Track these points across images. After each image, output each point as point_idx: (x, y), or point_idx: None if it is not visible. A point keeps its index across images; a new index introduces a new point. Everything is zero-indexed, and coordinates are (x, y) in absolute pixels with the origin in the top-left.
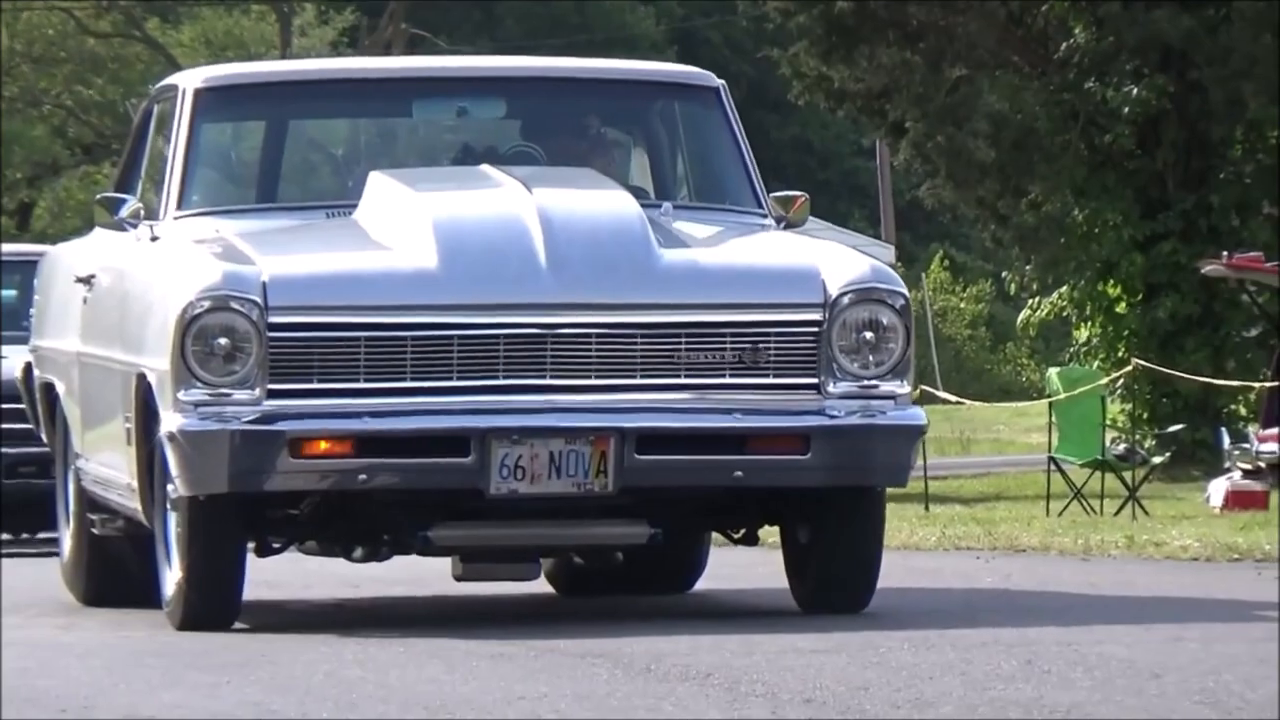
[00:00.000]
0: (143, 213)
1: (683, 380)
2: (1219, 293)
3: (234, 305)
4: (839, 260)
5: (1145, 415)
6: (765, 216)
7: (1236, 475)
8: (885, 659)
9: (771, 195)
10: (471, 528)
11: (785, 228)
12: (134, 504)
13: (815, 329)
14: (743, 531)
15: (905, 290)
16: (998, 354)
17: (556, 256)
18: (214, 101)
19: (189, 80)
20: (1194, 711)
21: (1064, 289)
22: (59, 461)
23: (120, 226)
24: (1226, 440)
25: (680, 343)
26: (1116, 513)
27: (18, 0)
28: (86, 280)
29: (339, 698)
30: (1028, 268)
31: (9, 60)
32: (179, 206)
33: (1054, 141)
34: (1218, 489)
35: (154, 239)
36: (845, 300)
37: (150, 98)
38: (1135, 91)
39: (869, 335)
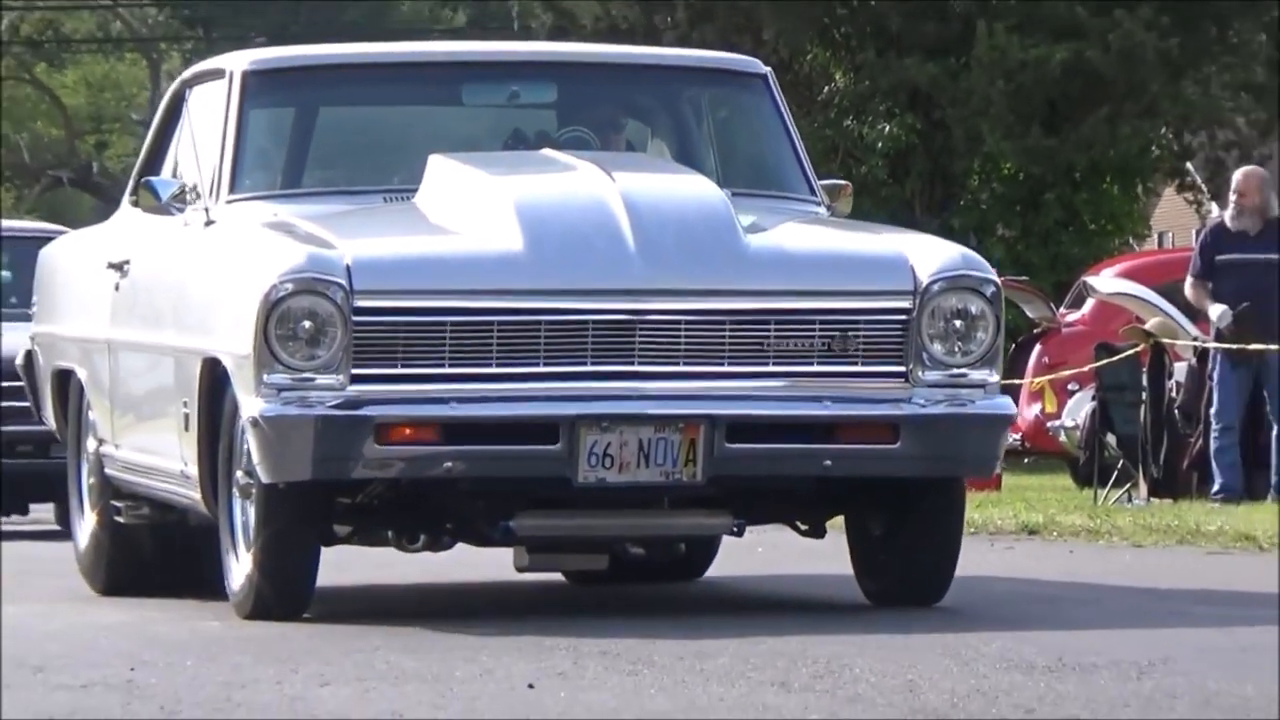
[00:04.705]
0: (189, 197)
1: (772, 368)
2: None
3: (319, 288)
4: (928, 247)
5: None
6: (819, 204)
7: None
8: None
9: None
10: (557, 517)
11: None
12: (189, 491)
13: (905, 316)
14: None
15: (996, 278)
16: None
17: (645, 241)
18: (263, 85)
19: (237, 63)
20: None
21: None
22: (72, 450)
23: (167, 210)
24: None
25: (769, 330)
26: None
27: None
28: (119, 266)
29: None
30: None
31: None
32: (231, 190)
33: (817, 172)
34: None
35: (209, 223)
36: (936, 288)
37: (182, 82)
38: (887, 129)
39: (959, 324)
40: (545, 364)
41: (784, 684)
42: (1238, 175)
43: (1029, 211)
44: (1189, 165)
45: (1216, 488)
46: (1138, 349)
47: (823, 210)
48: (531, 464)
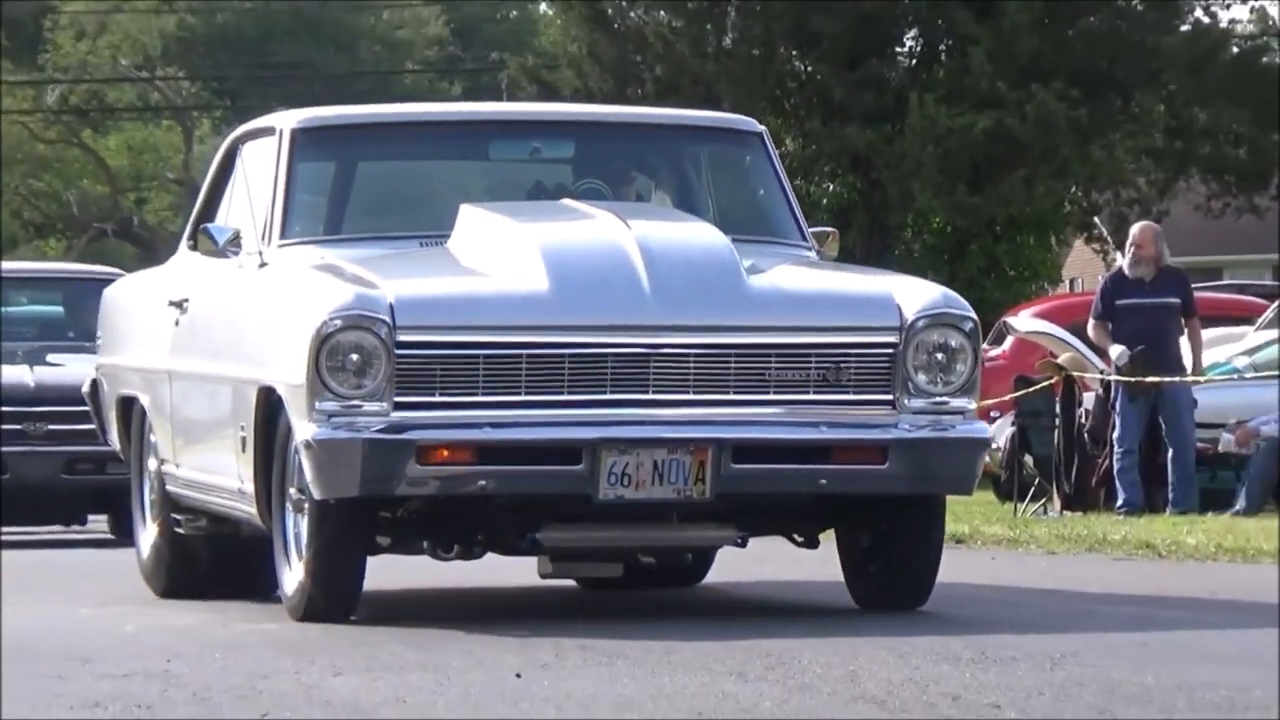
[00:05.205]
0: (242, 241)
1: (772, 396)
2: None
3: (365, 324)
4: (913, 287)
5: None
6: (810, 249)
7: None
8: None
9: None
10: (579, 530)
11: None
12: (245, 506)
13: (892, 350)
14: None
15: (974, 315)
16: None
17: (658, 282)
18: (310, 140)
19: (286, 122)
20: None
21: None
22: (135, 468)
23: (223, 254)
24: None
25: (770, 362)
26: None
27: None
28: (179, 304)
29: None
30: None
31: None
32: (282, 235)
33: None
34: None
35: (262, 265)
36: (920, 324)
37: (235, 139)
38: (831, 187)
39: (941, 356)
40: (569, 392)
41: (741, 674)
42: (1135, 229)
43: (955, 260)
44: (1096, 220)
45: (1120, 502)
46: (1051, 381)
47: (813, 254)
48: (557, 482)
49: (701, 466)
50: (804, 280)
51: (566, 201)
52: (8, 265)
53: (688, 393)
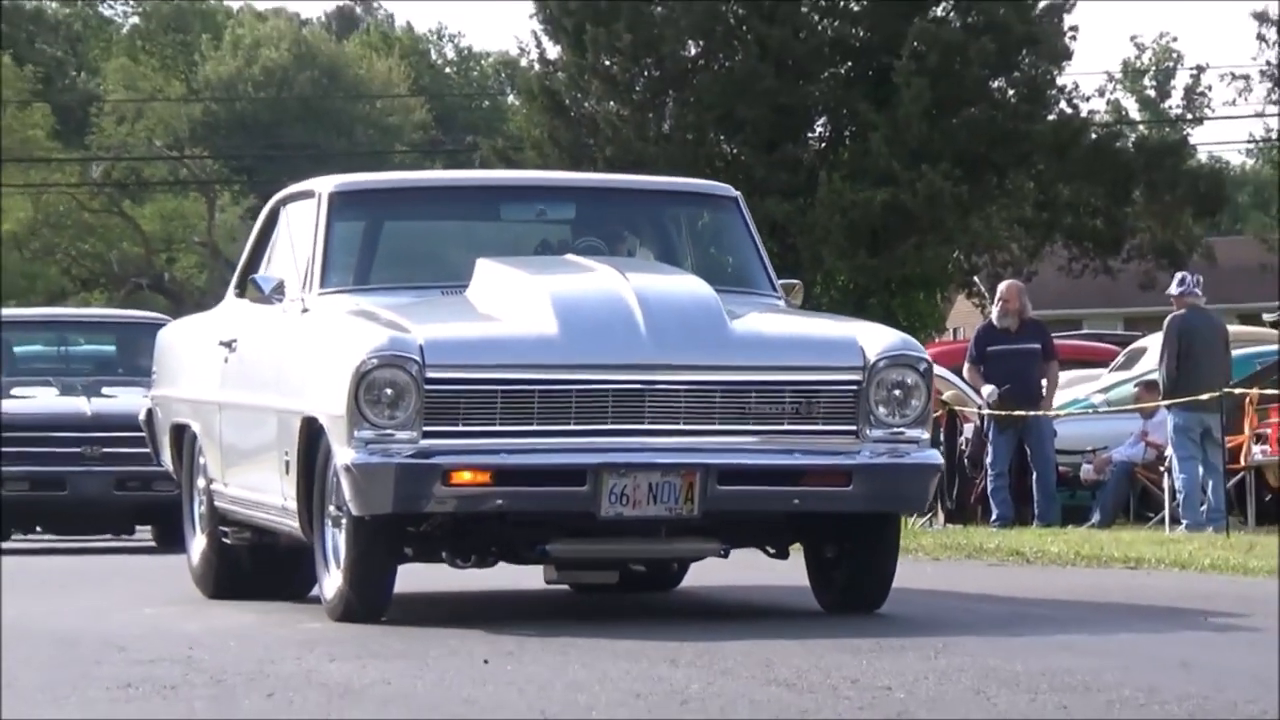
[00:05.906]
0: (285, 289)
1: (751, 426)
2: None
3: (399, 363)
4: (874, 332)
5: None
6: (779, 298)
7: None
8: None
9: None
10: (583, 543)
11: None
12: (288, 521)
13: (855, 387)
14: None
15: (928, 356)
16: None
17: (653, 327)
18: (345, 202)
19: (324, 186)
20: None
21: None
22: (186, 487)
23: (269, 300)
24: None
25: (750, 397)
26: None
27: (41, 187)
28: (228, 343)
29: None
30: None
31: (34, 225)
32: (322, 285)
33: None
34: None
35: (304, 310)
36: (881, 364)
37: (278, 200)
38: None
39: (898, 392)
40: (575, 423)
41: (673, 661)
42: (1002, 286)
43: (857, 313)
44: (975, 279)
45: (994, 517)
46: (936, 414)
47: (782, 303)
48: (563, 501)
49: (690, 488)
50: (778, 325)
51: (570, 256)
52: (68, 311)
53: (679, 423)
